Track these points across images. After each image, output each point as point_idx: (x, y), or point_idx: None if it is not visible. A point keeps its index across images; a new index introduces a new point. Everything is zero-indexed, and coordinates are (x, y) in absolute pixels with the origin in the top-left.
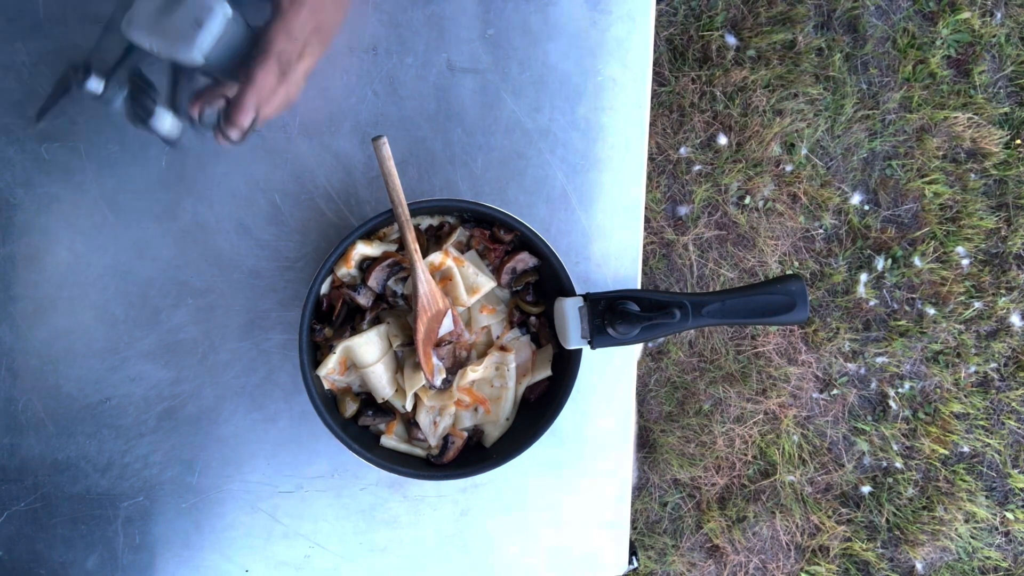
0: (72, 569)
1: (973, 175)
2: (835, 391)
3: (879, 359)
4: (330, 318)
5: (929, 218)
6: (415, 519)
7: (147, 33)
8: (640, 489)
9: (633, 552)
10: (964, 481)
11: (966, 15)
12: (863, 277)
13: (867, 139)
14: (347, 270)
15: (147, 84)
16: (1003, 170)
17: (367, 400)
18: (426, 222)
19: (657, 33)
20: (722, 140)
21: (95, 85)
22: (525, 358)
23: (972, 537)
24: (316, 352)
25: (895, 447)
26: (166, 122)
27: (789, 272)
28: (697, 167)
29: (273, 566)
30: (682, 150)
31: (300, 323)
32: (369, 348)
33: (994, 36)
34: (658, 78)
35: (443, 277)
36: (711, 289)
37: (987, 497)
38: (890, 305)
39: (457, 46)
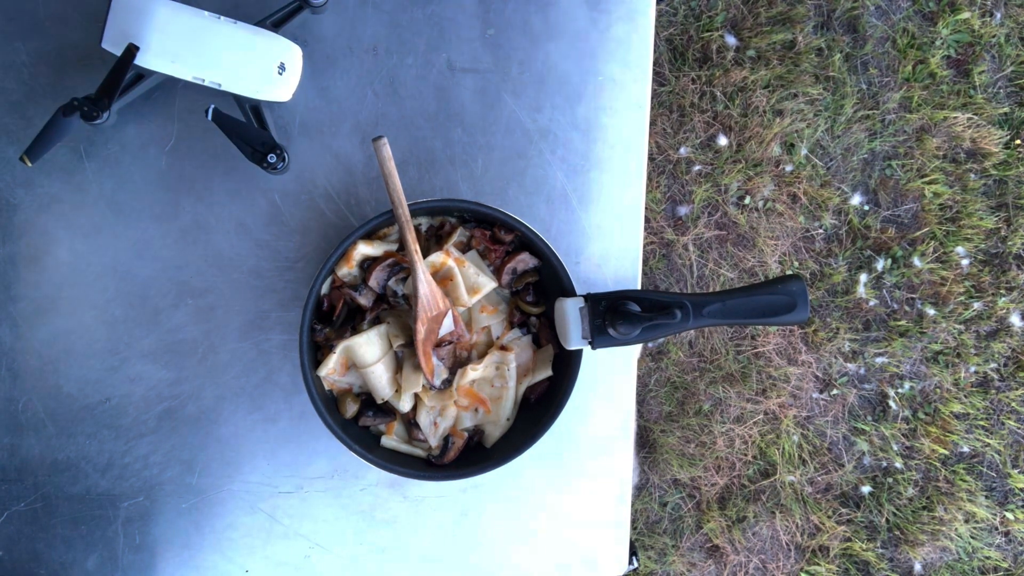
0: (72, 569)
1: (973, 175)
2: (835, 391)
3: (879, 359)
4: (330, 318)
5: (929, 218)
6: (415, 519)
7: (222, 75)
8: (640, 489)
9: (633, 552)
10: (964, 481)
11: (966, 15)
12: (863, 277)
13: (867, 139)
14: (348, 270)
15: (261, 125)
16: (1003, 170)
17: (367, 400)
18: (426, 222)
19: (657, 33)
20: (722, 140)
21: (108, 119)
22: (526, 358)
23: (972, 537)
24: (316, 352)
25: (895, 447)
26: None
27: (789, 272)
28: (697, 167)
29: (273, 566)
30: (682, 150)
31: (300, 323)
32: (369, 348)
33: (994, 36)
34: (658, 78)
35: (444, 277)
36: (711, 289)
37: (987, 497)
38: (890, 305)
39: (457, 46)
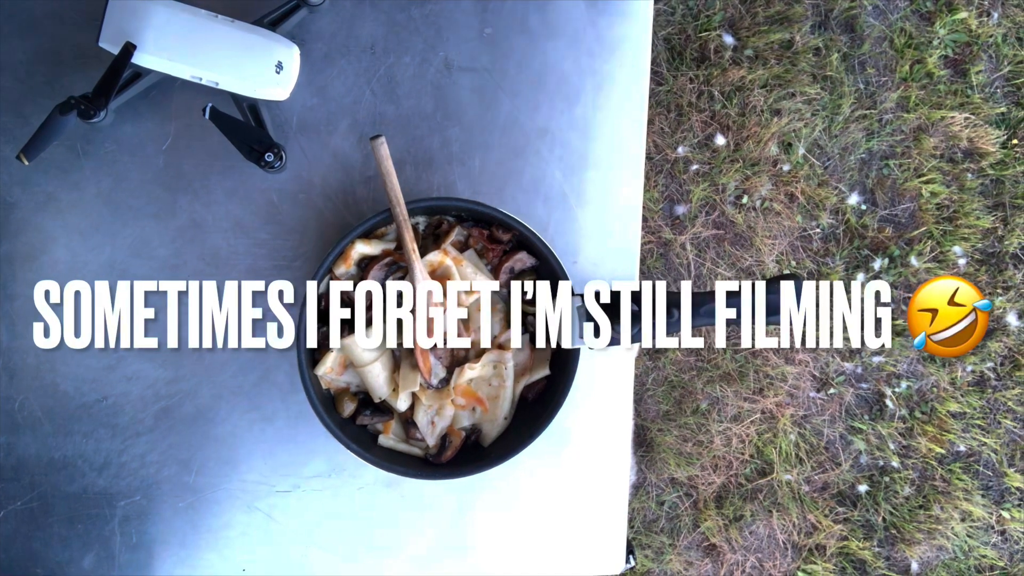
0: (69, 568)
1: (970, 175)
2: (832, 390)
3: (876, 358)
4: (328, 317)
5: (926, 218)
6: (413, 518)
7: (219, 74)
8: (637, 488)
9: (630, 551)
10: (960, 480)
11: (963, 15)
12: (860, 276)
13: (864, 139)
14: (346, 269)
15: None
16: (1000, 170)
17: (365, 399)
18: (424, 221)
19: (655, 32)
20: (720, 140)
21: (104, 117)
22: (523, 357)
23: (968, 536)
24: (314, 351)
25: (892, 446)
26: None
27: (787, 271)
28: (695, 166)
29: (270, 565)
30: (680, 149)
31: (298, 322)
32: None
33: (991, 36)
34: (656, 77)
35: (441, 276)
36: (709, 288)
37: (983, 496)
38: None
39: (455, 45)
